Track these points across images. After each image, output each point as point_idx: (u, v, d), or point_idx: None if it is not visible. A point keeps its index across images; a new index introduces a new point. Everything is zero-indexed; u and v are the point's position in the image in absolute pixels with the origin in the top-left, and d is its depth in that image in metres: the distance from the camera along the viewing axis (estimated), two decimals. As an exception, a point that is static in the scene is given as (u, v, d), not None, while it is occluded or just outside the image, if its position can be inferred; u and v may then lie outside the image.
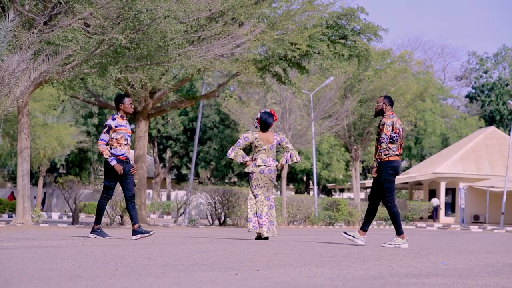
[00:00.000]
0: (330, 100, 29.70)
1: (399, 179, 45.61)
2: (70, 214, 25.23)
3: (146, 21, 14.28)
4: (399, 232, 9.45)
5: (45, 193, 44.45)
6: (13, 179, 48.32)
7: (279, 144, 10.63)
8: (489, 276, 5.28)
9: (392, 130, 9.36)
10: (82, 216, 21.00)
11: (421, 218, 40.43)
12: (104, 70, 15.44)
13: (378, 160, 9.39)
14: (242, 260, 5.94)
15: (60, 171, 48.89)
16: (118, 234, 12.12)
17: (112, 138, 9.64)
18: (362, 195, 54.94)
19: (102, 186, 9.80)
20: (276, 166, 10.63)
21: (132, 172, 9.83)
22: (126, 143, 9.71)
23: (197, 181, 52.52)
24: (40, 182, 39.29)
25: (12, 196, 39.16)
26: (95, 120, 45.88)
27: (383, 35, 76.10)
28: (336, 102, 31.71)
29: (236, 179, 53.44)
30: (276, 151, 11.04)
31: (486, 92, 64.18)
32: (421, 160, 54.53)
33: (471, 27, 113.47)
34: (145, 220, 20.34)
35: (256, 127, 10.68)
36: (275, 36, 18.61)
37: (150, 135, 46.32)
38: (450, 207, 43.50)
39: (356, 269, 5.39)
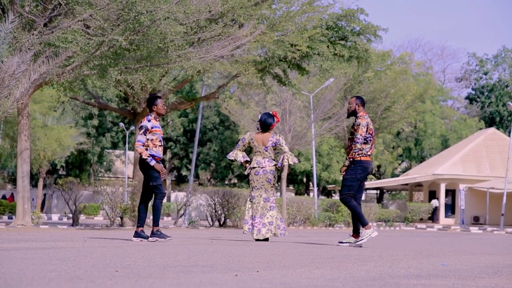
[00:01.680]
0: (330, 102, 29.71)
1: (399, 180, 45.65)
2: (70, 215, 25.23)
3: (146, 23, 14.29)
4: (364, 223, 9.52)
5: (45, 195, 44.46)
6: (13, 180, 48.33)
7: (275, 145, 10.53)
8: (489, 277, 5.28)
9: (366, 131, 9.46)
10: (82, 217, 21.01)
11: (421, 219, 40.41)
12: (104, 71, 15.44)
13: (351, 159, 9.46)
14: (242, 262, 5.94)
15: (60, 172, 48.89)
16: (118, 235, 12.12)
17: (148, 140, 9.58)
18: (362, 196, 54.89)
19: (155, 189, 9.68)
20: (275, 165, 10.53)
21: (161, 175, 9.81)
22: (160, 144, 9.68)
23: (197, 182, 52.51)
24: (40, 183, 39.29)
25: (12, 198, 39.15)
26: (95, 122, 45.88)
27: (383, 36, 76.11)
28: (336, 103, 31.73)
29: (236, 181, 53.44)
30: (277, 152, 10.98)
31: (486, 93, 64.19)
32: (421, 162, 54.52)
33: (471, 28, 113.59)
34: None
35: (258, 128, 10.65)
36: (275, 37, 18.61)
37: (150, 136, 46.25)
38: (450, 209, 43.49)
39: (356, 271, 5.39)
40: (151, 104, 9.73)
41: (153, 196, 9.72)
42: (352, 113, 9.70)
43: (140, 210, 9.84)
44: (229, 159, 10.77)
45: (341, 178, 9.41)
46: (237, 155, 10.69)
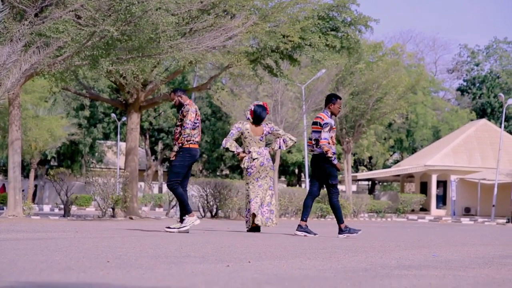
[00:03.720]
0: (322, 93, 29.68)
1: (391, 171, 45.74)
2: (62, 206, 25.19)
3: (137, 13, 14.23)
4: (188, 211, 9.71)
5: (36, 185, 44.32)
6: (4, 171, 48.17)
7: (270, 133, 10.79)
8: (479, 267, 5.30)
9: (195, 117, 9.73)
10: (73, 208, 20.96)
11: (412, 210, 40.54)
12: (96, 62, 15.38)
13: (180, 144, 9.65)
14: (234, 252, 5.95)
15: (52, 163, 48.75)
16: (109, 226, 12.11)
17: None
18: (354, 187, 55.01)
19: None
20: (269, 151, 10.81)
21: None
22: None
23: (189, 173, 52.37)
24: (32, 174, 39.17)
25: (3, 189, 39.06)
26: (87, 113, 45.76)
27: (375, 28, 76.06)
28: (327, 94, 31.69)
29: (228, 172, 53.43)
30: (268, 143, 11.13)
31: (478, 84, 64.32)
32: (412, 153, 54.64)
33: (463, 20, 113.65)
34: (137, 212, 20.33)
35: (248, 118, 10.72)
36: (267, 28, 18.56)
37: (142, 127, 46.22)
38: (442, 200, 43.63)
39: (347, 261, 5.40)
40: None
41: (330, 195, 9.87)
42: (180, 106, 9.89)
43: (333, 207, 9.93)
44: (224, 147, 10.83)
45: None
46: (231, 145, 10.73)
